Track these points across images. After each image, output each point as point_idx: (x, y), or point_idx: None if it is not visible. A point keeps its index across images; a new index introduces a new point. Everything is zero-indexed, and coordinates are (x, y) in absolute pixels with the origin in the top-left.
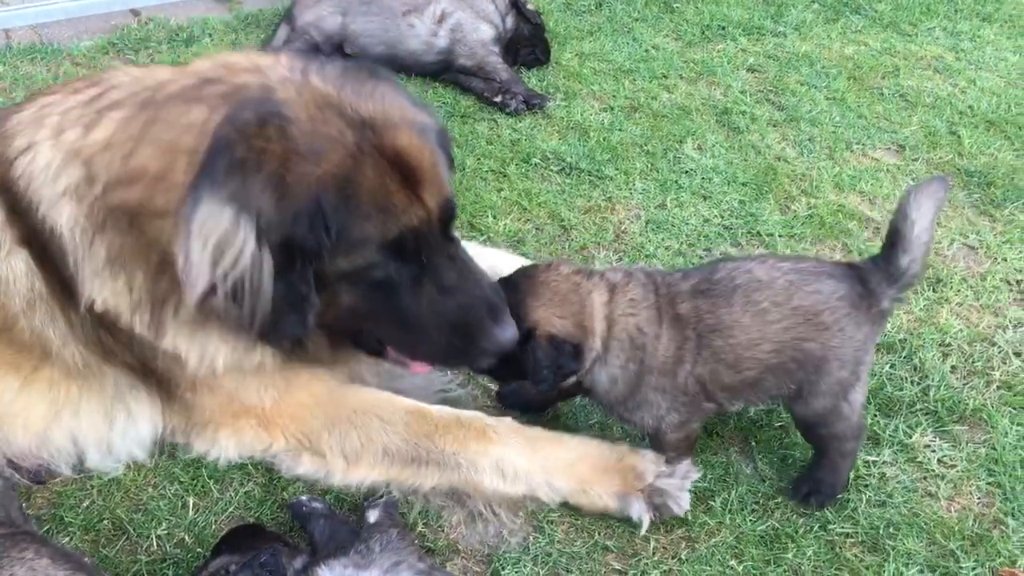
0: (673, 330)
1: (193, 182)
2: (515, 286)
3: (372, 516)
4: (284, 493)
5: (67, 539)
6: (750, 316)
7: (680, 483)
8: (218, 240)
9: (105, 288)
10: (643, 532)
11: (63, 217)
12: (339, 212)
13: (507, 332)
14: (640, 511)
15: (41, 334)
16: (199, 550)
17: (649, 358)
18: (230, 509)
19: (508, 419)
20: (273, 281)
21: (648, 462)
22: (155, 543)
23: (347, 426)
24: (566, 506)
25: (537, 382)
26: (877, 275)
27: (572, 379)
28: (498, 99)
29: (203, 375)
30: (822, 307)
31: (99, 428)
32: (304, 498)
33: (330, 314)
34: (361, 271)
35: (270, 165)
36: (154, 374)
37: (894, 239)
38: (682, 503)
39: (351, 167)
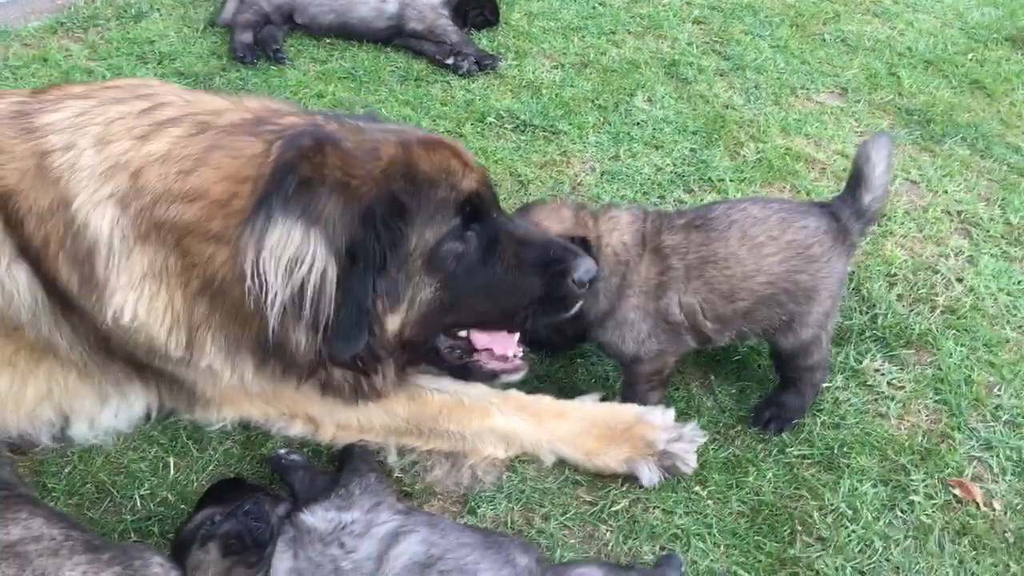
0: (655, 256)
1: (261, 200)
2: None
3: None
4: (263, 449)
5: (51, 504)
6: (747, 249)
7: (688, 446)
8: (290, 256)
9: (141, 305)
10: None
11: (105, 219)
12: (410, 191)
13: (588, 260)
14: (649, 474)
15: (48, 339)
16: (183, 507)
17: (631, 273)
18: (211, 467)
19: (513, 392)
20: (336, 288)
21: (659, 431)
22: (139, 503)
23: (348, 410)
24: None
25: None
26: (847, 211)
27: None
28: (450, 61)
29: (233, 385)
30: (812, 240)
31: (91, 409)
32: (282, 451)
33: (414, 319)
34: (442, 244)
35: (333, 175)
36: (163, 373)
37: (857, 180)
38: (690, 462)
39: (405, 154)
